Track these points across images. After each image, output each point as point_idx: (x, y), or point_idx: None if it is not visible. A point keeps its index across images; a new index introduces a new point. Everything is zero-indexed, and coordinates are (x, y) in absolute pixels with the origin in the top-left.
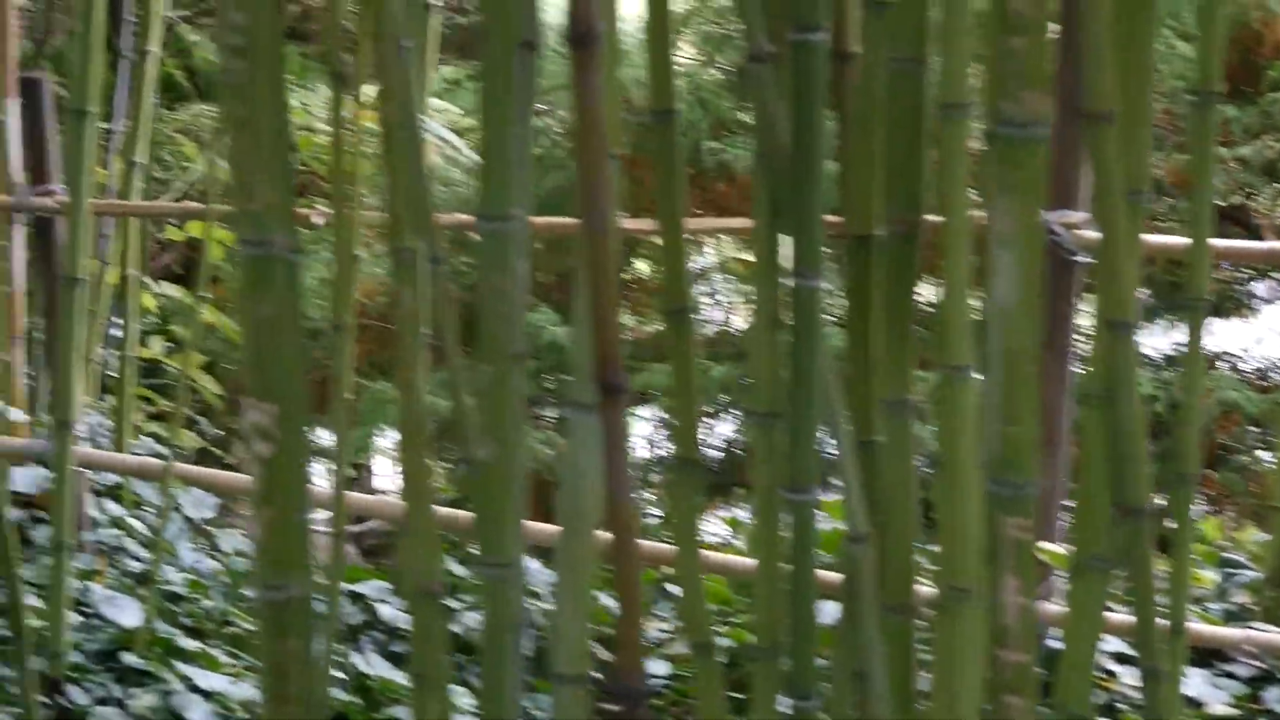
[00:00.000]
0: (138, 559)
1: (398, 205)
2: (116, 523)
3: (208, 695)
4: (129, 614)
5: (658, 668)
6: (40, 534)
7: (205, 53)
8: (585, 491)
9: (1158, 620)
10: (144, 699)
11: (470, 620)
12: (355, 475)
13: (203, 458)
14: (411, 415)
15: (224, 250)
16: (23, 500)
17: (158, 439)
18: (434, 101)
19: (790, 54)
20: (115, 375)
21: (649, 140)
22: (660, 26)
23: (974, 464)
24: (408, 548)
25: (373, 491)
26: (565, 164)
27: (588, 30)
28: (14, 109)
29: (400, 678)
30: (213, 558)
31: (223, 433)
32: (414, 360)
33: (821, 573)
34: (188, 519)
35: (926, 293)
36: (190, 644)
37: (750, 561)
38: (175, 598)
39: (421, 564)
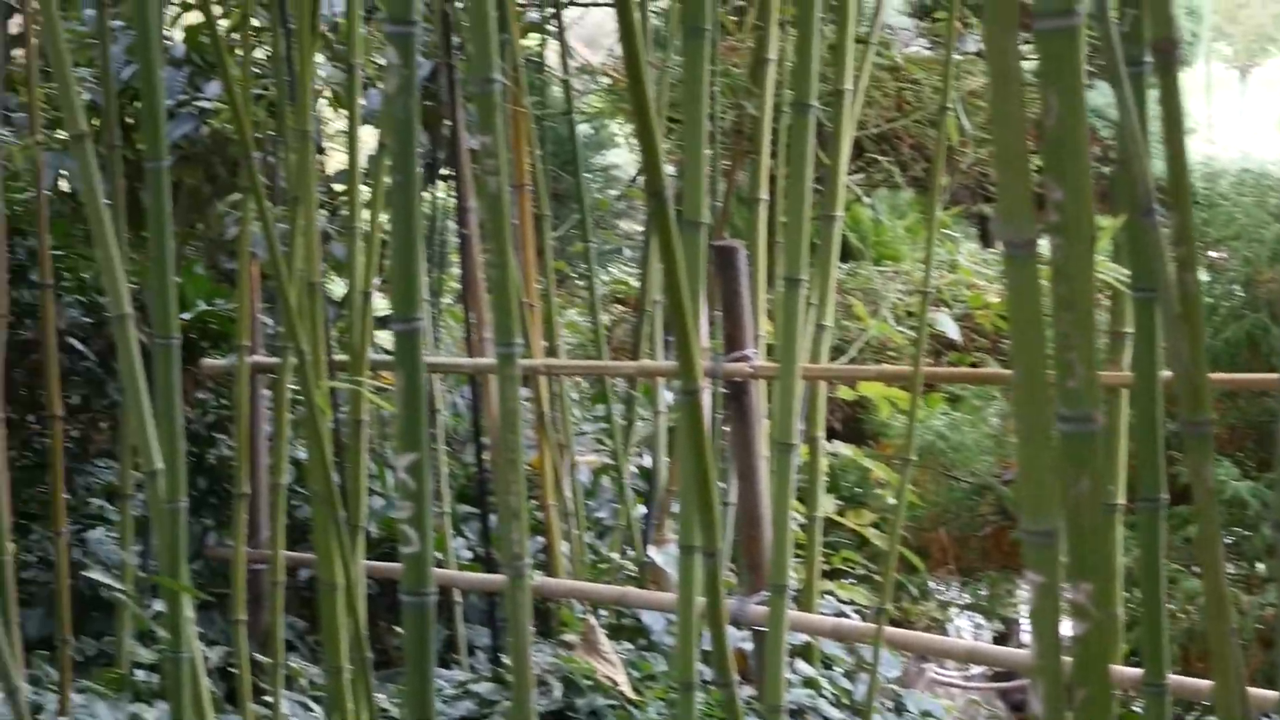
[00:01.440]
0: (827, 718)
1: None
2: (809, 682)
3: None
4: None
5: None
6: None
7: (865, 212)
8: None
9: None
10: None
11: None
12: (1004, 630)
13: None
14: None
15: (890, 408)
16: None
17: (834, 596)
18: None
19: None
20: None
21: None
22: None
23: None
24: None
25: (1021, 646)
26: (1240, 314)
27: None
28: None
29: None
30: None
31: (918, 593)
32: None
33: None
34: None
35: None
36: None
37: None
38: None
39: None
